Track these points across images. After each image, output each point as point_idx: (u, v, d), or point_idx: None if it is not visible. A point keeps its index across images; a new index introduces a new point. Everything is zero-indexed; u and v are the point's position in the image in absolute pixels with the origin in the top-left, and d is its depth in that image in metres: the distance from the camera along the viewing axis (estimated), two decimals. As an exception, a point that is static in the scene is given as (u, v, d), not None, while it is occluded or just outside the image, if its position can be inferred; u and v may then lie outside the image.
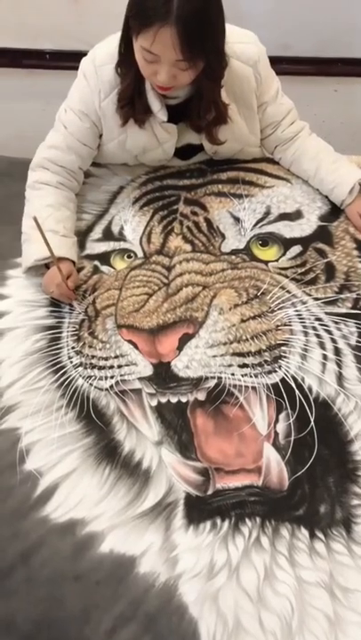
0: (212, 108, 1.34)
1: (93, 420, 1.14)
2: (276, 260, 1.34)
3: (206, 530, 1.02)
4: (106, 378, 1.19)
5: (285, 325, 1.22)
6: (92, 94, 1.34)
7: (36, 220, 1.19)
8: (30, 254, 1.33)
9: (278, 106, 1.44)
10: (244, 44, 1.34)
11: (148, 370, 1.18)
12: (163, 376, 1.17)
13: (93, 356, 1.22)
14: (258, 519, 1.03)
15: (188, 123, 1.40)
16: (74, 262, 1.35)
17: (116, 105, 1.33)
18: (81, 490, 1.07)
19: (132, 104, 1.33)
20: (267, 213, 1.40)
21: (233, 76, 1.33)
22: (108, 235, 1.42)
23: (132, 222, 1.42)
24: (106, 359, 1.21)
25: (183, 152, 1.49)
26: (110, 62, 1.30)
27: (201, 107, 1.34)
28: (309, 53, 1.93)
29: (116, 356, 1.21)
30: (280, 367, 1.17)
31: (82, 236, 1.43)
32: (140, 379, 1.18)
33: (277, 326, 1.21)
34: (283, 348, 1.19)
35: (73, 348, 1.24)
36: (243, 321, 1.21)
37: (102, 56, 1.32)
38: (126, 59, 1.25)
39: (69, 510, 1.05)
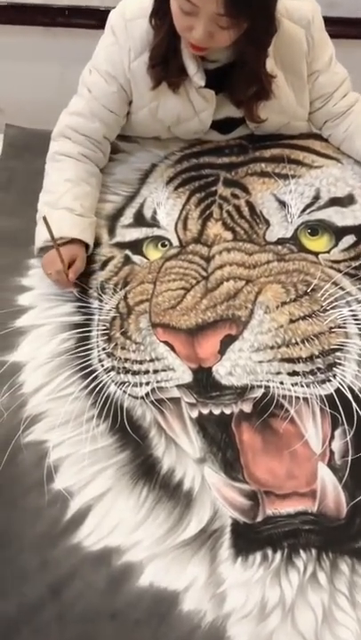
0: (254, 80, 1.19)
1: (128, 434, 1.03)
2: (328, 252, 1.20)
3: (256, 562, 0.92)
4: (141, 384, 1.08)
5: (340, 327, 1.10)
6: (120, 53, 1.19)
7: (45, 220, 1.09)
8: (41, 234, 1.19)
9: (332, 75, 1.28)
10: (297, 0, 1.18)
11: (186, 376, 1.07)
12: (203, 383, 1.06)
13: (127, 359, 1.10)
14: (313, 551, 0.93)
15: (227, 94, 1.26)
16: (88, 245, 1.22)
17: (147, 65, 1.18)
18: (116, 514, 0.96)
19: (165, 63, 1.17)
20: (316, 198, 1.27)
21: (283, 38, 1.18)
22: (139, 220, 1.29)
23: (165, 205, 1.28)
24: (140, 363, 1.09)
25: (222, 125, 1.34)
26: (143, 16, 1.15)
27: (242, 77, 1.19)
28: (356, 14, 1.75)
29: (152, 360, 1.09)
30: (335, 376, 1.05)
31: (111, 220, 1.29)
32: (179, 386, 1.07)
33: (331, 328, 1.09)
34: (337, 353, 1.07)
35: (104, 349, 1.12)
36: (292, 321, 1.09)
37: (133, 9, 1.17)
38: (162, 7, 1.10)
39: (104, 537, 0.94)
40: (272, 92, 1.20)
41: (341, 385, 1.04)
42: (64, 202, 1.20)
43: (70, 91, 1.31)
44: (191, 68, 1.17)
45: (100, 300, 1.18)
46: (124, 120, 1.31)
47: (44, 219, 1.10)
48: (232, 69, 1.19)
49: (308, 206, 1.25)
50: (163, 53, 1.16)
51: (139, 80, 1.21)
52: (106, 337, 1.13)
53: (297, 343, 1.07)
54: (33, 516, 0.96)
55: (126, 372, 1.09)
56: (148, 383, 1.07)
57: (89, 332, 1.15)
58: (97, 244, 1.25)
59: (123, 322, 1.14)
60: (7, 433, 1.03)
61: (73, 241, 1.19)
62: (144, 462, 1.01)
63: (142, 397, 1.07)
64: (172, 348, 1.09)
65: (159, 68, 1.18)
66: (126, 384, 1.08)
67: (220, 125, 1.33)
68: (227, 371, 1.06)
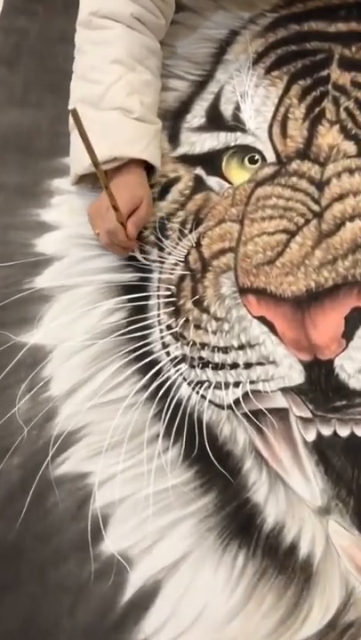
0: None
1: (212, 465, 0.70)
2: None
3: None
4: (227, 385, 0.73)
5: None
6: None
7: (75, 113, 0.63)
8: (80, 154, 0.75)
9: None
10: None
11: (296, 374, 0.73)
12: (322, 386, 0.73)
13: (204, 345, 0.74)
14: None
15: None
16: (153, 168, 0.82)
17: None
18: (200, 594, 0.65)
19: None
20: None
21: None
22: (215, 119, 0.87)
23: (253, 98, 0.87)
24: (225, 351, 0.73)
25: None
26: None
27: None
28: None
29: (242, 347, 0.74)
30: None
31: (172, 119, 0.87)
32: (285, 390, 0.72)
33: None
34: None
35: (169, 327, 0.75)
36: None
37: None
38: None
39: (182, 633, 0.63)
40: None
41: None
42: (114, 98, 0.77)
43: None
44: None
45: (161, 249, 0.80)
46: None
47: (77, 120, 0.65)
48: None
49: None
50: None
51: None
52: (171, 308, 0.76)
53: None
54: (73, 595, 0.65)
55: (204, 364, 0.73)
56: (237, 384, 0.73)
57: (146, 298, 0.77)
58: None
59: (196, 284, 0.77)
60: (30, 461, 0.70)
61: (131, 164, 0.78)
62: (238, 512, 0.68)
63: (230, 407, 0.72)
64: (272, 329, 0.73)
65: None
66: (205, 384, 0.73)
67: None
68: (356, 367, 0.72)
